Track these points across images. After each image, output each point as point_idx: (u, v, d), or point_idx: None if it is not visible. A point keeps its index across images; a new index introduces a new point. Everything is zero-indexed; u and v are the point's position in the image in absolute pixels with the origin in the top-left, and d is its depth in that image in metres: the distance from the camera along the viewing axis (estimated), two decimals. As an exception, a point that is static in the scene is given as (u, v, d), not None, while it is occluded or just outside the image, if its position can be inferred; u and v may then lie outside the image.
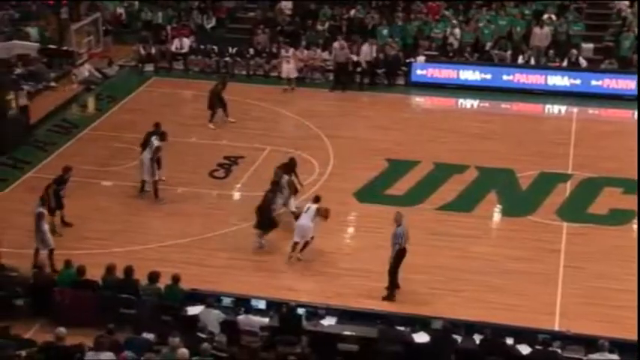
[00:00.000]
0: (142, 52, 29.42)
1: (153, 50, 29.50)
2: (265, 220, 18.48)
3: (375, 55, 27.75)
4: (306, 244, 18.09)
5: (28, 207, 20.00)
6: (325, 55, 28.63)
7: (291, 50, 27.75)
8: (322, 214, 18.19)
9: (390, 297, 16.70)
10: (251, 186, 21.17)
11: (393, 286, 16.74)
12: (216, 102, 24.48)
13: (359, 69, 28.02)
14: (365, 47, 27.67)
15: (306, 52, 28.68)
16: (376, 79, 28.14)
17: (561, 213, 20.10)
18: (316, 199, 18.41)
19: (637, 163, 21.73)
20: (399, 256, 16.58)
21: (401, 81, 28.12)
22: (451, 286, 17.18)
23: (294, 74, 27.49)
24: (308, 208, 18.15)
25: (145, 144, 20.45)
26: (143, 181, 20.46)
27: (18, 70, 25.95)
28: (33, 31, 28.47)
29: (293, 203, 19.25)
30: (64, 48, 28.77)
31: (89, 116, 25.84)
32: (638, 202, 20.34)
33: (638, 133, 23.59)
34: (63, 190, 19.06)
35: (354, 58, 28.14)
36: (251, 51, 29.25)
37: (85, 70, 28.10)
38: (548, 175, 21.88)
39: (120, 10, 32.39)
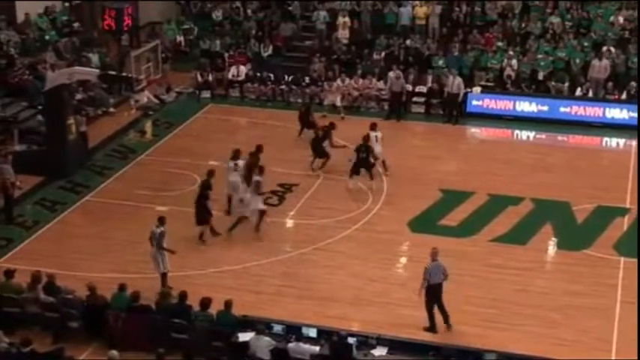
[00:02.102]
0: (200, 79, 29.82)
1: (210, 77, 29.87)
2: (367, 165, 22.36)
3: (462, 89, 27.50)
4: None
5: (84, 230, 20.40)
6: (380, 84, 28.68)
7: (335, 84, 27.95)
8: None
9: (430, 329, 16.55)
10: (304, 214, 21.22)
11: (430, 321, 16.56)
12: (308, 122, 25.02)
13: (434, 101, 27.99)
14: (452, 78, 27.41)
15: (361, 81, 28.79)
16: (431, 110, 28.16)
17: (618, 247, 19.75)
18: (373, 126, 22.95)
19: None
20: (428, 292, 16.40)
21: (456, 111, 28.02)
22: (505, 319, 16.96)
23: (338, 102, 27.59)
24: (377, 137, 22.70)
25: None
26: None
27: (79, 96, 26.42)
28: (94, 57, 29.01)
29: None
30: (124, 74, 29.23)
31: (146, 141, 26.20)
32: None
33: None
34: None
35: (409, 87, 28.19)
36: (307, 79, 29.44)
37: (144, 96, 28.52)
38: (605, 208, 21.55)
39: (179, 38, 32.91)
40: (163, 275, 17.59)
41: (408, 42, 30.37)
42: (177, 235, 20.04)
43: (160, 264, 17.56)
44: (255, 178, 20.06)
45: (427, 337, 16.01)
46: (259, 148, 21.50)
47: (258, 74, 29.89)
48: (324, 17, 31.85)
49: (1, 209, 20.94)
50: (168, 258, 17.64)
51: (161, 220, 17.73)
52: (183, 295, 15.88)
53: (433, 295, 16.40)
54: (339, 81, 28.41)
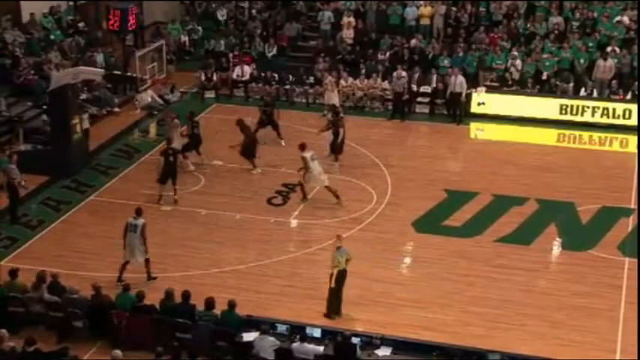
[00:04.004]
0: (204, 78, 29.84)
1: (214, 77, 29.89)
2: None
3: (465, 88, 27.53)
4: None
5: (89, 229, 20.42)
6: (385, 84, 28.66)
7: (329, 78, 27.77)
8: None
9: (335, 312, 16.86)
10: (308, 214, 21.21)
11: (335, 308, 16.85)
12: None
13: (439, 101, 28.02)
14: (454, 77, 27.46)
15: (366, 80, 28.78)
16: (435, 110, 28.17)
17: (623, 248, 19.73)
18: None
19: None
20: (337, 278, 16.67)
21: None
22: (509, 320, 16.94)
23: (335, 101, 27.20)
24: None
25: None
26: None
27: (83, 95, 26.46)
28: (99, 57, 29.06)
29: None
30: (128, 74, 29.30)
31: (150, 141, 26.22)
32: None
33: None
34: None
35: (413, 87, 28.18)
36: (311, 79, 29.43)
37: (148, 96, 28.55)
38: (609, 209, 21.52)
39: (184, 38, 32.94)
40: (126, 264, 17.88)
41: (412, 42, 30.35)
42: (181, 235, 20.16)
43: (135, 253, 17.81)
44: None
45: (431, 337, 15.96)
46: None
47: (263, 74, 29.90)
48: (329, 18, 31.86)
49: (6, 209, 20.97)
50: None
51: (138, 212, 18.04)
52: (186, 295, 15.89)
53: (341, 281, 16.65)
54: (330, 78, 28.02)
